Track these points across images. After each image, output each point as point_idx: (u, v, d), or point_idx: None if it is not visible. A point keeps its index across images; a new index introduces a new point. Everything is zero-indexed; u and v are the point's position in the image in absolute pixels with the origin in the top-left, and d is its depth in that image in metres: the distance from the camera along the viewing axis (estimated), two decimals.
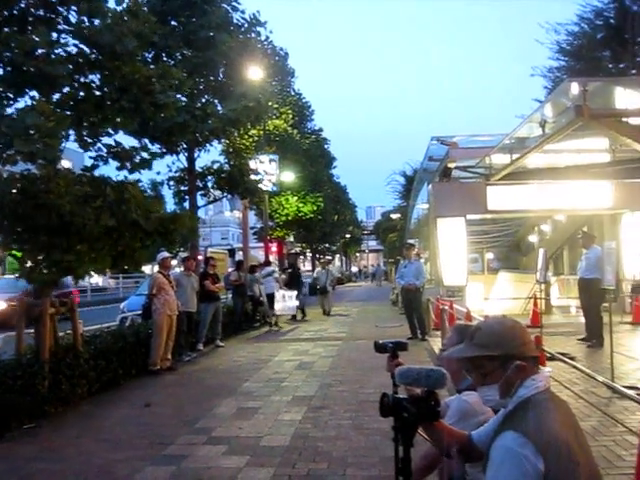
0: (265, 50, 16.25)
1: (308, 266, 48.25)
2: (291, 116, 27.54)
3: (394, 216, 45.00)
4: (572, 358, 8.20)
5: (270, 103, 16.01)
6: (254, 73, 13.62)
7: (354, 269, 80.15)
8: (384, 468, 4.41)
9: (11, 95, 6.68)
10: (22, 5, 6.51)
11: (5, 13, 6.44)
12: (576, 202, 13.38)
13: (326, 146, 35.27)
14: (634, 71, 18.38)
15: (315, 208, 30.08)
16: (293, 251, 32.41)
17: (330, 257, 26.22)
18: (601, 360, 8.26)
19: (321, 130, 33.67)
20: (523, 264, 17.99)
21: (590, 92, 8.23)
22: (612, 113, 9.51)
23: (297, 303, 17.29)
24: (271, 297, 15.89)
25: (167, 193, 14.11)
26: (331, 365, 9.39)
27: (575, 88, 8.29)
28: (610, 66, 19.24)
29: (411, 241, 17.91)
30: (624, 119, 9.33)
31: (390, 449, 2.15)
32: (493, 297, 14.74)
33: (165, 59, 12.21)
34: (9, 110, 6.63)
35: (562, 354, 8.36)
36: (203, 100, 12.71)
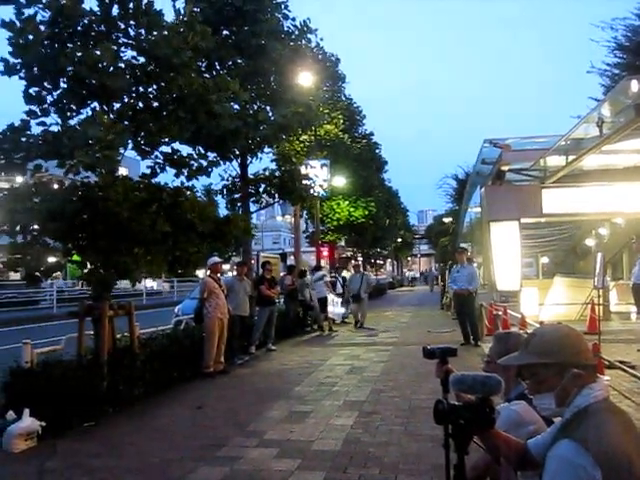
0: (316, 56, 16.32)
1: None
2: (342, 121, 27.55)
3: (446, 220, 44.47)
4: (632, 367, 7.91)
5: (320, 108, 16.10)
6: (305, 79, 13.72)
7: (411, 273, 79.66)
8: (436, 475, 4.37)
9: (74, 107, 6.96)
10: (85, 21, 6.77)
11: (69, 29, 6.71)
12: (636, 205, 12.92)
13: (377, 150, 35.13)
14: None
15: (366, 212, 30.01)
16: (344, 255, 32.42)
17: (357, 262, 25.26)
18: None
19: (372, 134, 33.58)
20: (579, 269, 17.49)
21: None
22: None
23: (343, 310, 17.30)
24: (322, 301, 15.98)
25: (220, 201, 14.40)
26: (382, 370, 9.35)
27: (635, 86, 8.01)
28: None
29: (463, 245, 17.67)
30: None
31: (443, 456, 2.14)
32: (548, 303, 14.38)
33: (218, 67, 12.44)
34: (72, 122, 6.92)
35: (622, 362, 8.08)
36: (255, 107, 12.89)
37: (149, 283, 33.77)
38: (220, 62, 12.49)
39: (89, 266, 6.93)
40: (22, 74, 6.58)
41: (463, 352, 10.18)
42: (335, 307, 16.69)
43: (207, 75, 10.84)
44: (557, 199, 13.02)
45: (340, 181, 24.76)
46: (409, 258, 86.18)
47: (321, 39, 15.12)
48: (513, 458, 2.11)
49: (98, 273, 6.86)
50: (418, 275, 79.74)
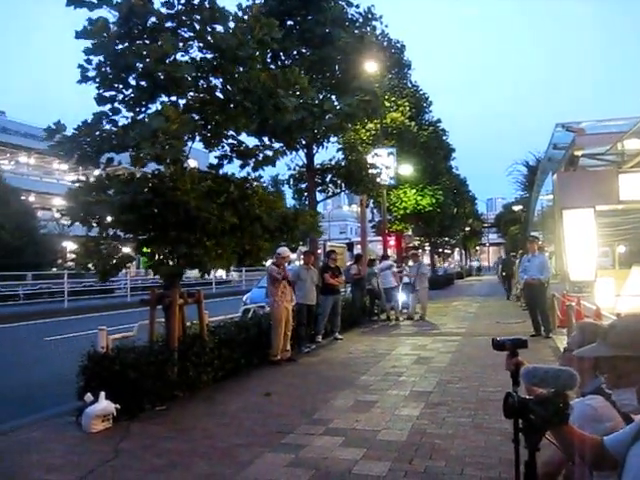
0: (381, 44, 16.14)
1: (427, 260, 47.79)
2: (408, 108, 27.16)
3: (516, 208, 43.29)
4: None
5: (386, 96, 15.93)
6: (370, 67, 13.59)
7: (476, 263, 78.28)
8: (504, 470, 4.26)
9: (143, 102, 7.15)
10: (153, 19, 6.94)
11: (139, 27, 6.89)
12: None
13: (444, 137, 34.46)
14: None
15: (434, 201, 29.54)
16: (411, 245, 32.08)
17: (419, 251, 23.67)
18: None
19: (439, 121, 32.94)
20: None
21: None
22: None
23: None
24: (388, 291, 15.88)
25: (287, 191, 14.54)
26: (450, 361, 9.21)
27: None
28: None
29: (534, 234, 17.13)
30: None
31: (512, 451, 2.06)
32: (625, 294, 13.73)
33: (283, 58, 12.49)
34: (141, 115, 7.13)
35: None
36: (320, 96, 12.88)
37: (218, 272, 34.53)
38: (285, 52, 12.53)
39: (157, 257, 7.11)
40: (96, 79, 6.82)
41: (534, 344, 9.89)
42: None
43: (273, 66, 10.90)
44: (636, 184, 12.38)
45: (407, 169, 24.44)
46: (477, 247, 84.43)
47: (386, 26, 14.96)
48: (588, 456, 2.00)
49: (166, 264, 7.04)
50: (484, 264, 79.07)
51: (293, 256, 17.12)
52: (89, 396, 5.97)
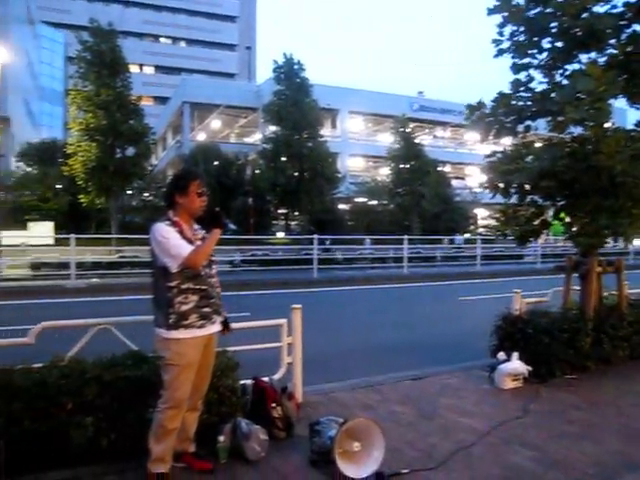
0: None
1: None
2: None
3: None
4: None
5: None
6: None
7: None
8: None
9: (559, 64, 7.01)
10: None
11: None
12: None
13: None
14: None
15: None
16: None
17: None
18: None
19: None
20: None
21: None
22: None
23: None
24: None
25: None
26: None
27: None
28: None
29: None
30: None
31: None
32: None
33: None
34: (558, 78, 7.00)
35: None
36: None
37: (638, 242, 31.45)
38: None
39: (575, 228, 6.97)
40: (509, 50, 6.98)
41: None
42: None
43: None
44: None
45: None
46: None
47: None
48: None
49: (585, 235, 6.83)
50: None
51: None
52: (502, 354, 6.33)
